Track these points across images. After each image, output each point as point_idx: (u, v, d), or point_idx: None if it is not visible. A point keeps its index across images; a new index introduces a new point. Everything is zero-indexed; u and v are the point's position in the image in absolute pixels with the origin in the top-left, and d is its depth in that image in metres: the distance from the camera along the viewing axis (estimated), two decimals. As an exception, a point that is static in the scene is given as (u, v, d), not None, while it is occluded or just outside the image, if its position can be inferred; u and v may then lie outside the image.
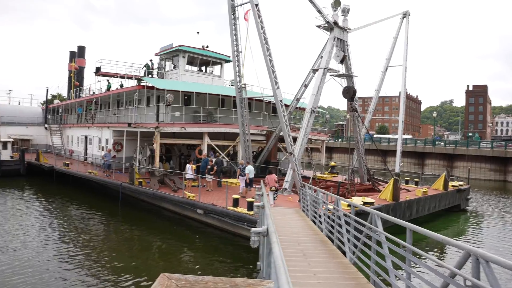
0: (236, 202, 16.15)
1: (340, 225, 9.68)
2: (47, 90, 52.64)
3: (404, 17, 27.68)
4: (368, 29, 31.68)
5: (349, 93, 22.74)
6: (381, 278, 6.77)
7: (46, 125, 47.81)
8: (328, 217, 11.16)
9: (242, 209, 15.71)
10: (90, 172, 26.71)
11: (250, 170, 19.37)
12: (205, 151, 24.02)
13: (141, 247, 15.57)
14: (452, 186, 24.14)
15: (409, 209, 19.28)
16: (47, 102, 52.93)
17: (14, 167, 34.34)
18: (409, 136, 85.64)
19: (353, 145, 26.95)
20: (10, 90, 61.24)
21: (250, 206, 15.52)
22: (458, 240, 14.87)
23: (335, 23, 22.19)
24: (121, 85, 33.47)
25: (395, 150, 46.83)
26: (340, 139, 69.11)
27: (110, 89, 34.62)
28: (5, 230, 16.75)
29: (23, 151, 36.07)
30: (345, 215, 9.29)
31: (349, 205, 13.04)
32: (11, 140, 38.95)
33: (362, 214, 11.65)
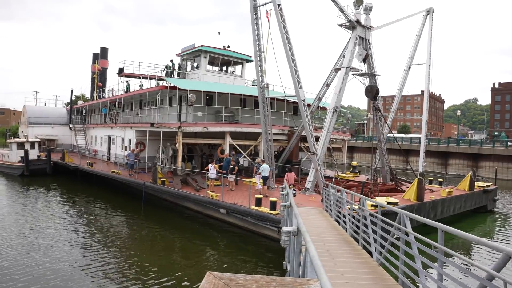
0: (258, 202, 16.18)
1: (365, 225, 9.59)
2: (72, 91, 54.01)
3: (428, 14, 27.19)
4: (390, 27, 31.22)
5: (371, 92, 22.48)
6: (410, 279, 6.70)
7: (70, 126, 48.96)
8: (353, 217, 11.07)
9: (265, 209, 15.74)
10: (113, 172, 27.20)
11: (264, 168, 19.63)
12: (227, 151, 24.16)
13: (164, 246, 15.78)
14: (478, 186, 23.58)
15: (433, 210, 18.94)
16: (72, 103, 54.19)
17: (41, 166, 35.31)
18: (418, 136, 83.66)
19: (375, 144, 26.62)
20: (36, 92, 62.99)
21: (273, 205, 15.54)
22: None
23: (358, 21, 21.98)
24: (141, 86, 34.04)
25: (418, 150, 46.11)
26: (362, 139, 68.10)
27: (129, 90, 35.36)
28: (35, 228, 17.27)
29: (50, 151, 37.04)
30: (371, 215, 9.20)
31: (373, 205, 12.99)
32: (38, 140, 40.13)
33: (386, 214, 11.53)
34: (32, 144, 37.92)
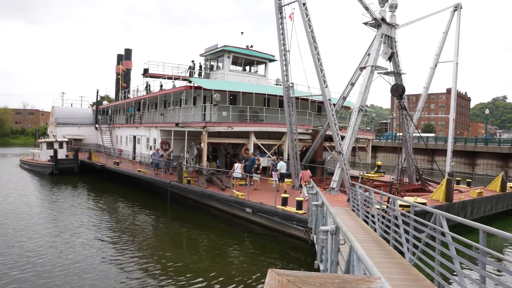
0: (285, 201, 16.19)
1: (397, 225, 9.48)
2: (97, 92, 55.23)
3: (456, 10, 26.58)
4: (416, 24, 30.62)
5: (398, 90, 22.13)
6: (447, 280, 6.59)
7: (96, 126, 50.10)
8: (383, 217, 10.96)
9: (291, 208, 15.74)
10: (139, 171, 27.67)
11: (281, 166, 20.69)
12: (251, 150, 24.26)
13: (190, 245, 15.96)
14: (511, 187, 22.91)
15: (463, 211, 18.51)
16: (97, 103, 55.42)
17: (69, 165, 36.31)
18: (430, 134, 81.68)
19: (401, 144, 26.20)
20: (63, 93, 64.77)
21: (299, 205, 15.53)
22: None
23: (383, 19, 21.70)
24: (161, 86, 34.64)
25: (443, 149, 45.17)
26: (387, 138, 66.92)
27: (149, 90, 36.18)
28: (65, 226, 17.76)
29: (77, 150, 38.03)
30: (403, 215, 9.08)
31: (401, 205, 12.80)
32: (66, 140, 41.27)
33: (417, 214, 11.36)
34: (61, 144, 39.04)
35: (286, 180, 22.56)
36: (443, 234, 6.74)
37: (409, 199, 16.23)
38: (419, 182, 24.38)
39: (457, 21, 26.70)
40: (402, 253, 8.84)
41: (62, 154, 37.60)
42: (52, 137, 44.94)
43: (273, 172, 21.57)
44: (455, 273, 6.28)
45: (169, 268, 12.58)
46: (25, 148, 75.15)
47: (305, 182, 19.06)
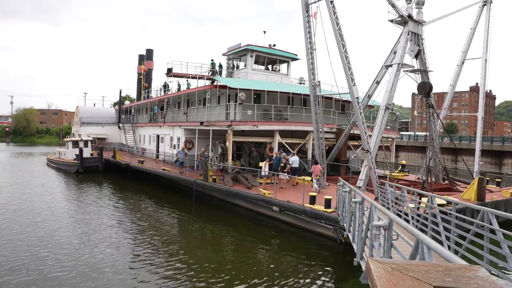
0: (313, 200, 16.14)
1: (435, 223, 9.34)
2: (120, 91, 56.11)
3: (485, 4, 25.98)
4: (443, 21, 29.93)
5: (425, 88, 21.83)
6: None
7: (120, 125, 50.93)
8: (418, 215, 10.81)
9: (319, 207, 15.68)
10: (164, 169, 27.95)
11: (294, 160, 21.59)
12: (276, 149, 24.28)
13: (215, 243, 15.97)
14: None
15: (495, 211, 18.07)
16: (120, 103, 56.36)
17: (94, 163, 37.02)
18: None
19: (428, 142, 25.78)
20: (85, 93, 66.21)
21: (327, 203, 15.46)
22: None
23: (410, 16, 21.39)
24: (189, 85, 34.98)
25: (467, 149, 44.25)
26: (413, 137, 65.88)
27: (168, 89, 37.60)
28: (91, 223, 18.10)
29: (102, 149, 38.77)
30: (443, 212, 8.94)
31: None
32: (91, 139, 42.13)
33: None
34: (86, 143, 39.87)
35: (309, 178, 22.54)
36: (491, 231, 6.60)
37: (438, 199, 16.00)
38: (447, 181, 23.95)
39: (486, 17, 26.13)
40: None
41: (87, 152, 38.38)
42: (77, 136, 45.96)
43: (262, 163, 22.57)
44: (508, 271, 6.14)
45: (196, 267, 12.56)
46: (50, 147, 76.98)
47: (316, 176, 19.60)
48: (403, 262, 2.19)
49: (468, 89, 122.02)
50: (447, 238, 8.58)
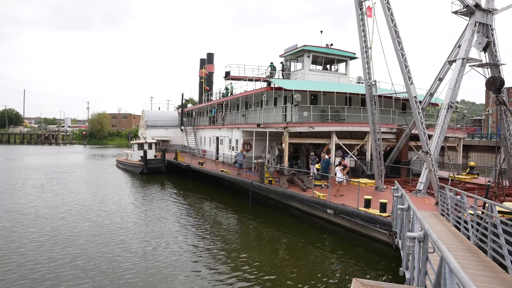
0: (368, 203, 15.68)
1: (495, 234, 8.65)
2: (182, 95, 58.51)
3: None
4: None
5: (495, 84, 20.09)
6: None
7: (182, 127, 53.07)
8: (478, 224, 10.08)
9: (374, 210, 15.20)
10: (222, 171, 28.68)
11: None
12: (333, 150, 23.93)
13: (271, 244, 16.09)
14: None
15: None
16: (182, 106, 58.70)
17: (157, 165, 39.01)
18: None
19: (499, 142, 23.82)
20: (151, 97, 69.95)
21: (383, 207, 14.95)
22: None
23: (477, 5, 19.85)
24: (226, 91, 36.40)
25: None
26: (480, 136, 61.52)
27: (228, 92, 38.19)
28: (153, 222, 19.15)
29: (164, 151, 40.69)
30: (504, 223, 8.27)
31: (500, 211, 11.67)
32: (155, 141, 44.40)
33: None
34: (150, 145, 42.11)
35: (368, 180, 21.91)
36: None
37: (510, 205, 14.73)
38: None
39: None
40: (504, 266, 8.04)
41: (151, 154, 40.51)
42: (142, 138, 48.66)
43: (311, 166, 23.83)
44: None
45: (251, 267, 12.87)
46: (120, 149, 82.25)
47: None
48: (388, 285, 2.14)
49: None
50: (510, 253, 7.93)
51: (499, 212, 11.75)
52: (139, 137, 55.35)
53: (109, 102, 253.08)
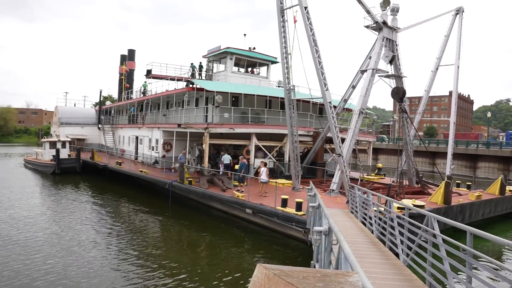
0: (284, 203, 16.38)
1: (392, 227, 9.67)
2: (100, 92, 55.53)
3: (458, 13, 26.68)
4: (418, 28, 30.64)
5: (398, 94, 22.26)
6: (438, 280, 6.77)
7: (99, 126, 50.42)
8: (380, 219, 11.14)
9: (291, 210, 15.92)
10: (141, 171, 27.87)
11: (225, 158, 24.24)
12: (253, 152, 24.50)
13: (190, 244, 16.17)
14: (510, 190, 23.01)
15: (461, 214, 18.64)
16: (100, 103, 55.76)
17: (71, 165, 36.63)
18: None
19: (401, 146, 26.34)
20: (66, 92, 65.36)
21: (298, 206, 15.72)
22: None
23: (384, 23, 21.87)
24: (143, 89, 35.92)
25: (445, 152, 45.13)
26: (388, 140, 67.20)
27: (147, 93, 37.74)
28: (65, 225, 18.02)
29: (79, 150, 38.34)
30: (398, 217, 9.28)
31: (400, 208, 13.01)
32: (69, 139, 41.63)
33: (413, 216, 11.55)
34: (64, 144, 39.41)
35: (285, 181, 22.80)
36: (435, 236, 6.94)
37: (407, 202, 16.42)
38: (419, 184, 24.52)
39: (458, 25, 26.81)
40: (397, 254, 9.02)
41: (64, 153, 37.95)
42: (55, 136, 45.32)
43: (220, 165, 24.65)
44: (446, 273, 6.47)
45: (168, 266, 12.82)
46: (28, 147, 75.64)
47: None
48: (289, 268, 2.40)
49: (448, 94, 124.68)
50: (402, 242, 8.90)
51: (399, 208, 13.14)
52: (51, 134, 51.38)
53: (16, 96, 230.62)
